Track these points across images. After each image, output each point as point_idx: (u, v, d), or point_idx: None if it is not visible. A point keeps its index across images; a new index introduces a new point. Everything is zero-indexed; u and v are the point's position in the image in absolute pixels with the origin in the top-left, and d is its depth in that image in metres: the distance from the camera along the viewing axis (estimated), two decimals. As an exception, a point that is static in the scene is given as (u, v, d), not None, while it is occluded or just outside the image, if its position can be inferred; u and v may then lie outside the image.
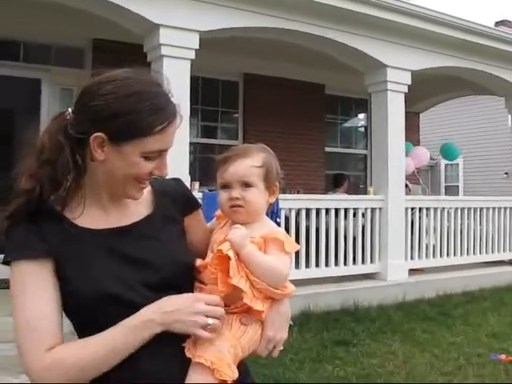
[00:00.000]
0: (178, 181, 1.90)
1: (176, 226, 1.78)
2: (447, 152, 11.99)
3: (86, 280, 1.54)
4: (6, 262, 1.56)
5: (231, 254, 1.61)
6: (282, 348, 1.77)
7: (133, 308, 1.54)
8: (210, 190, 7.25)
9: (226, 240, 1.65)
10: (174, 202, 1.80)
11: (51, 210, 1.59)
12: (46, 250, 1.55)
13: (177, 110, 1.63)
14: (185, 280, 1.68)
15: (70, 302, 1.57)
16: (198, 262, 1.73)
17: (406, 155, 10.15)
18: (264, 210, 1.82)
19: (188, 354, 1.57)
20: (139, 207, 1.73)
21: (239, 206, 1.75)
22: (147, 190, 1.75)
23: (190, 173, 6.61)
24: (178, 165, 5.92)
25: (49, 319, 1.52)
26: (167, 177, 1.74)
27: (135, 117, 1.54)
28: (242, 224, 1.74)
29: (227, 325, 1.63)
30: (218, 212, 1.88)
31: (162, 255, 1.65)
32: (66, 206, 1.62)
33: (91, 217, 1.63)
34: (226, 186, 1.78)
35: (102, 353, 1.49)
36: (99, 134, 1.54)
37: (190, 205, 1.87)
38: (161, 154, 1.61)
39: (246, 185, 1.76)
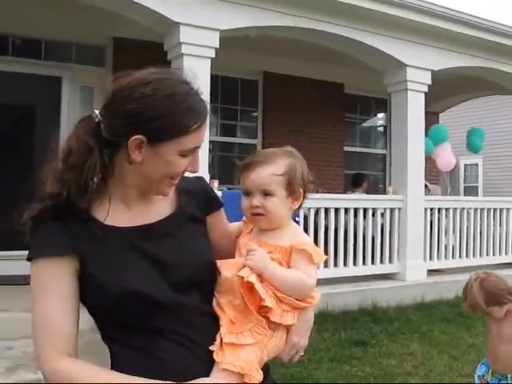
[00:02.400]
0: (200, 179, 1.90)
1: (199, 225, 1.79)
2: (475, 140, 11.65)
3: (112, 277, 1.54)
4: (29, 259, 1.58)
5: (253, 279, 1.62)
6: (302, 354, 1.79)
7: (156, 307, 1.55)
8: (228, 189, 7.25)
9: (245, 266, 1.65)
10: (196, 200, 1.81)
11: (76, 210, 1.59)
12: (70, 247, 1.55)
13: (207, 106, 1.66)
14: (207, 278, 1.69)
15: (94, 299, 1.58)
16: (222, 267, 1.73)
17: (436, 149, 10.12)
18: (287, 217, 1.80)
19: (216, 359, 1.58)
20: (163, 205, 1.74)
21: (260, 214, 1.75)
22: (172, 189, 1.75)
23: (209, 171, 6.61)
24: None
25: (64, 321, 1.53)
26: (192, 175, 1.74)
27: (173, 118, 1.56)
28: (266, 231, 1.77)
29: None
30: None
31: (184, 254, 1.66)
32: (91, 206, 1.62)
33: (116, 215, 1.64)
34: (248, 193, 1.77)
35: None
36: (138, 136, 1.56)
37: (213, 204, 1.87)
38: (194, 150, 1.64)
39: (267, 193, 1.74)
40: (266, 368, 1.70)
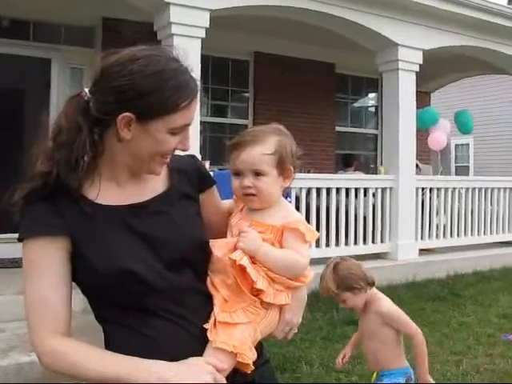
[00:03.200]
0: (192, 157, 1.89)
1: (192, 203, 1.78)
2: (462, 121, 11.72)
3: (104, 257, 1.54)
4: (20, 239, 1.57)
5: (245, 262, 1.61)
6: (296, 331, 1.79)
7: (147, 286, 1.56)
8: (220, 169, 7.24)
9: (236, 248, 1.64)
10: (189, 178, 1.80)
11: (67, 189, 1.58)
12: (61, 226, 1.55)
13: (197, 84, 1.64)
14: (200, 257, 1.68)
15: (86, 279, 1.59)
16: (214, 247, 1.72)
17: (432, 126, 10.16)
18: (279, 195, 1.79)
19: (210, 337, 1.58)
20: (156, 184, 1.73)
21: (252, 195, 1.73)
22: (163, 167, 1.74)
23: (200, 152, 6.60)
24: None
25: (56, 301, 1.54)
26: (183, 153, 1.74)
27: (161, 95, 1.54)
28: (257, 209, 1.75)
29: None
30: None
31: (177, 232, 1.65)
32: (82, 185, 1.61)
33: (108, 194, 1.63)
34: (238, 174, 1.75)
35: (98, 373, 1.48)
36: (127, 113, 1.54)
37: (205, 182, 1.86)
38: (184, 128, 1.62)
39: (258, 173, 1.72)
40: (259, 347, 1.71)
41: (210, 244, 1.70)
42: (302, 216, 1.81)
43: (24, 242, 1.56)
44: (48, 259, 1.54)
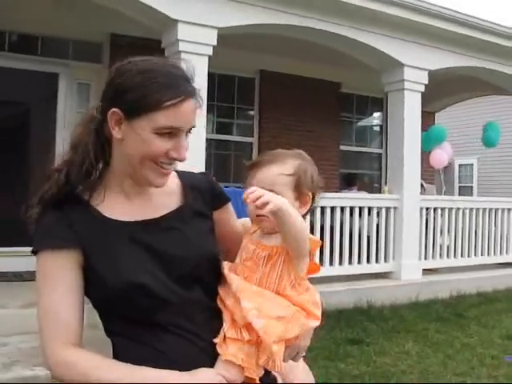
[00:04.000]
0: (206, 175, 1.91)
1: (205, 221, 1.78)
2: (491, 134, 11.58)
3: (114, 270, 1.57)
4: (34, 252, 1.60)
5: (258, 324, 1.56)
6: (303, 354, 1.76)
7: (158, 301, 1.57)
8: (225, 187, 7.24)
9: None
10: (202, 196, 1.80)
11: (79, 200, 1.64)
12: (73, 240, 1.58)
13: (195, 92, 1.62)
14: (210, 274, 1.69)
15: (96, 292, 1.61)
16: (225, 268, 1.72)
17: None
18: None
19: (219, 351, 1.58)
20: (167, 200, 1.74)
21: (265, 216, 1.66)
22: (176, 184, 1.77)
23: (205, 169, 6.60)
24: (194, 160, 5.91)
25: (68, 314, 1.56)
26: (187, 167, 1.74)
27: (144, 91, 1.56)
28: (270, 233, 1.70)
29: None
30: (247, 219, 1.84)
31: (189, 249, 1.66)
32: (94, 198, 1.66)
33: (118, 208, 1.66)
34: None
35: (110, 381, 1.49)
36: (115, 109, 1.58)
37: (219, 199, 1.86)
38: (177, 133, 1.60)
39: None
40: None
41: (222, 266, 1.70)
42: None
43: (37, 255, 1.59)
44: (60, 272, 1.57)
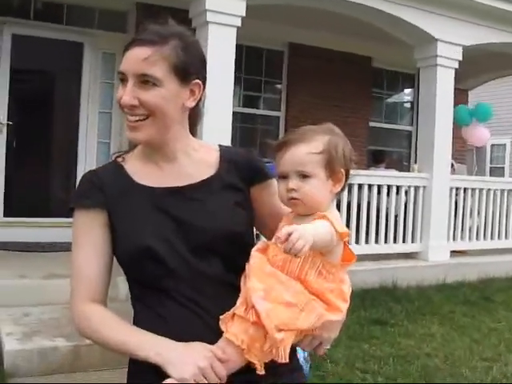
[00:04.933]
0: (248, 151, 1.92)
1: (236, 194, 1.78)
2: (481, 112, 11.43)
3: (129, 232, 1.67)
4: (71, 208, 1.75)
5: (262, 306, 1.52)
6: (328, 347, 1.71)
7: (166, 267, 1.63)
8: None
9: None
10: (238, 169, 1.81)
11: (115, 164, 1.80)
12: (101, 202, 1.71)
13: (151, 39, 1.65)
14: (231, 248, 1.70)
15: (117, 249, 1.72)
16: (257, 245, 1.70)
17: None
18: (328, 201, 1.70)
19: (222, 327, 1.57)
20: (198, 171, 1.78)
21: (296, 199, 1.65)
22: (215, 157, 1.82)
23: (231, 143, 6.59)
24: (220, 134, 5.90)
25: (90, 271, 1.69)
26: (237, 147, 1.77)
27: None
28: (303, 215, 1.67)
29: None
30: None
31: (209, 221, 1.68)
32: (127, 161, 1.80)
33: (147, 173, 1.75)
34: (284, 176, 1.68)
35: (111, 340, 1.62)
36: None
37: (258, 175, 1.84)
38: (127, 80, 1.67)
39: (304, 175, 1.64)
40: (291, 350, 1.61)
41: (251, 254, 1.67)
42: (339, 217, 1.71)
43: (73, 213, 1.74)
44: (88, 230, 1.70)
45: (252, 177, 1.82)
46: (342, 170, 1.70)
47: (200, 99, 1.77)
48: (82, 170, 8.07)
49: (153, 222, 1.66)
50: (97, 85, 8.49)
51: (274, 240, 1.56)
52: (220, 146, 1.88)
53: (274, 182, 1.84)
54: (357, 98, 10.99)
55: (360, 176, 7.90)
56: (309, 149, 1.65)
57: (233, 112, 6.78)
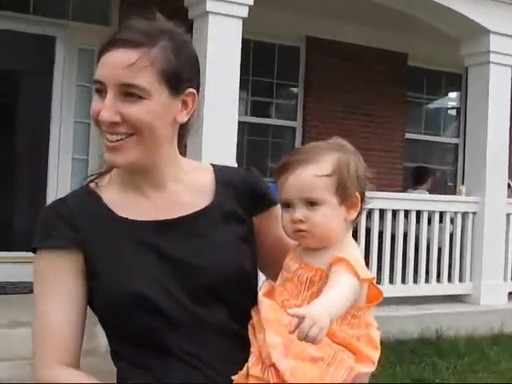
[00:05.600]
0: (249, 171, 1.91)
1: (238, 226, 1.79)
2: None
3: (117, 278, 1.63)
4: (32, 250, 1.69)
5: (284, 365, 1.52)
6: None
7: (164, 318, 1.60)
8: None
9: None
10: (239, 195, 1.82)
11: (89, 193, 1.76)
12: (73, 241, 1.66)
13: (133, 40, 1.62)
14: (237, 292, 1.70)
15: (97, 299, 1.67)
16: (263, 289, 1.71)
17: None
18: (342, 231, 1.71)
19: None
20: (193, 198, 1.77)
21: (304, 231, 1.67)
22: (209, 180, 1.82)
23: (237, 160, 6.58)
24: (222, 149, 5.90)
25: (63, 328, 1.64)
26: (233, 165, 1.76)
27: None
28: (313, 249, 1.68)
29: None
30: None
31: (211, 258, 1.69)
32: (105, 190, 1.76)
33: (131, 203, 1.73)
34: (288, 204, 1.70)
35: None
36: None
37: (262, 200, 1.86)
38: (106, 91, 1.62)
39: (311, 202, 1.66)
40: None
41: (261, 286, 1.70)
42: (360, 255, 1.72)
43: (35, 254, 1.69)
44: (57, 276, 1.65)
45: (255, 204, 1.84)
46: (357, 193, 1.71)
47: (193, 111, 1.75)
48: (53, 193, 8.05)
49: (142, 263, 1.64)
50: (72, 88, 8.50)
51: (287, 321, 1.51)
52: (213, 165, 1.89)
53: (279, 208, 1.84)
54: (389, 103, 11.00)
55: (393, 200, 7.88)
56: (316, 171, 1.67)
57: (238, 122, 6.79)
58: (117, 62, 1.59)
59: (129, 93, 1.60)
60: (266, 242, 1.84)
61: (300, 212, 1.66)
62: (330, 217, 1.67)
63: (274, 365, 1.52)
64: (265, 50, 10.17)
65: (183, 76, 1.67)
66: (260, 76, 10.27)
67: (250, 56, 9.62)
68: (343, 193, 1.68)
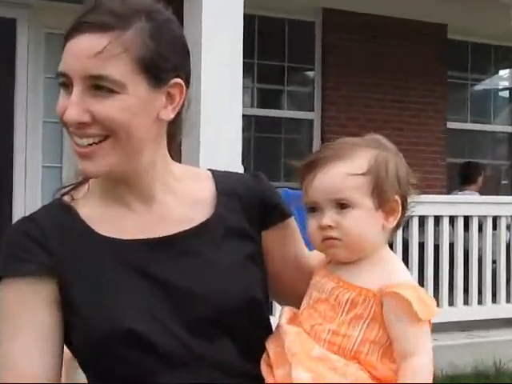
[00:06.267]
0: (256, 177, 1.90)
1: (245, 244, 1.78)
2: None
3: (100, 310, 1.60)
4: None
5: None
6: None
7: (160, 356, 1.58)
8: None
9: None
10: (245, 207, 1.81)
11: (61, 206, 1.73)
12: (46, 265, 1.62)
13: (103, 22, 1.60)
14: (243, 322, 1.69)
15: (75, 336, 1.64)
16: (283, 316, 1.70)
17: None
18: (379, 240, 1.72)
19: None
20: (190, 211, 1.76)
21: (334, 239, 1.67)
22: (209, 189, 1.81)
23: (242, 162, 6.58)
24: (225, 150, 5.91)
25: (35, 369, 1.59)
26: (238, 170, 1.76)
27: None
28: (348, 264, 1.68)
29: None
30: None
31: (214, 283, 1.68)
32: (82, 204, 1.73)
33: (113, 219, 1.71)
34: (315, 208, 1.70)
35: None
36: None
37: (272, 213, 1.85)
38: (72, 85, 1.60)
39: (342, 205, 1.66)
40: None
41: (280, 313, 1.69)
42: (410, 276, 1.73)
43: (0, 282, 1.65)
44: (24, 309, 1.61)
45: (264, 217, 1.83)
46: (397, 197, 1.72)
47: (183, 106, 1.74)
48: (20, 210, 8.06)
49: (130, 291, 1.62)
50: (39, 82, 8.49)
51: None
52: (212, 171, 1.88)
53: (293, 221, 1.86)
54: (426, 86, 11.00)
55: (435, 203, 7.87)
56: (348, 168, 1.67)
57: (243, 116, 6.80)
58: (82, 50, 1.57)
59: (99, 86, 1.58)
60: (279, 263, 1.84)
61: (329, 216, 1.66)
62: (365, 222, 1.67)
63: None
64: (273, 28, 10.19)
65: (166, 63, 1.64)
66: (268, 59, 10.31)
67: (255, 35, 9.64)
68: (380, 195, 1.69)
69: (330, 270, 1.71)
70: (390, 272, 1.67)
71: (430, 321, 1.66)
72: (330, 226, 1.65)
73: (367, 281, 1.64)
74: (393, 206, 1.71)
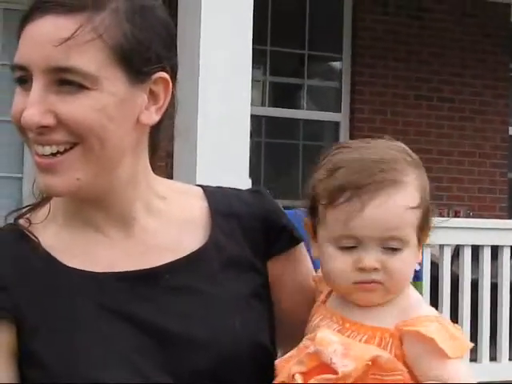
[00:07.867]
0: (258, 194, 1.91)
1: (248, 276, 1.78)
2: None
3: (71, 363, 1.56)
4: None
5: None
6: None
7: None
8: (286, 208, 7.24)
9: None
10: (245, 230, 1.80)
11: (16, 233, 1.69)
12: (6, 306, 1.59)
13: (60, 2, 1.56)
14: (246, 373, 1.68)
15: None
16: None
17: None
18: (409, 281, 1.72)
19: None
20: (179, 237, 1.75)
21: (376, 282, 1.65)
22: (200, 209, 1.81)
23: (250, 173, 6.60)
24: (229, 159, 5.93)
25: None
26: (229, 183, 1.75)
27: None
28: (368, 306, 1.68)
29: None
30: (316, 275, 1.82)
31: (209, 327, 1.67)
32: (41, 228, 1.70)
33: (83, 247, 1.69)
34: (351, 244, 1.66)
35: None
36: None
37: (281, 238, 1.84)
38: (31, 79, 1.58)
39: (393, 245, 1.64)
40: None
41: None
42: (430, 307, 1.73)
43: None
44: None
45: (270, 242, 1.83)
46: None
47: (168, 106, 1.70)
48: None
49: (106, 338, 1.60)
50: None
51: None
52: (203, 187, 1.89)
53: (303, 247, 1.86)
54: (484, 82, 10.99)
55: (495, 230, 7.85)
56: (406, 200, 1.66)
57: (252, 116, 6.82)
58: (45, 36, 1.53)
59: (65, 81, 1.53)
60: (288, 293, 1.86)
61: (375, 256, 1.64)
62: (410, 263, 1.69)
63: None
64: (290, 5, 10.21)
65: (147, 53, 1.60)
66: (283, 46, 10.30)
67: (268, 16, 9.67)
68: (424, 228, 1.70)
69: (332, 309, 1.72)
70: (406, 305, 1.68)
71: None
72: (376, 269, 1.63)
73: (381, 318, 1.64)
74: (426, 239, 1.73)
